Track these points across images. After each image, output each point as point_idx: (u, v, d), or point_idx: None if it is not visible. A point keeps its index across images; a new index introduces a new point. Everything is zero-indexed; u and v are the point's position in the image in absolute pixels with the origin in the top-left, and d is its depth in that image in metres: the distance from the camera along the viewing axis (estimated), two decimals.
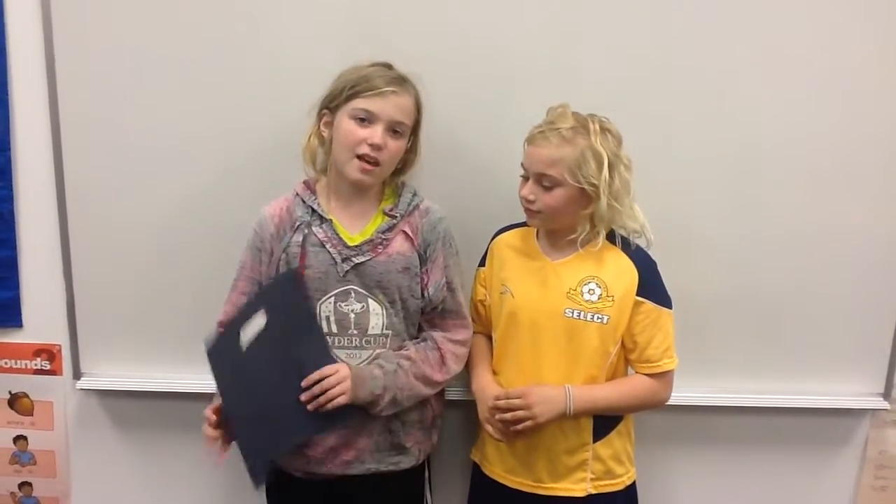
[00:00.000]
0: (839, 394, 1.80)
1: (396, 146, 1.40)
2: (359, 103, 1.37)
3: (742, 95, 1.63)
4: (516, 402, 1.40)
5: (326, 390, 1.31)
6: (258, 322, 1.35)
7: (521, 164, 1.43)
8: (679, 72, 1.62)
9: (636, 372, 1.50)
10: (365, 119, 1.37)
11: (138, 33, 1.59)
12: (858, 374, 1.79)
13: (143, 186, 1.66)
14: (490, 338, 1.58)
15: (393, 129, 1.38)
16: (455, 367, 1.49)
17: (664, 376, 1.48)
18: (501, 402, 1.41)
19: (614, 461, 1.52)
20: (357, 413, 1.38)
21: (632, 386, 1.49)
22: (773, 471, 1.89)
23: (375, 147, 1.36)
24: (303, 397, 1.30)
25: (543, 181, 1.38)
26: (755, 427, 1.84)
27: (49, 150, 1.65)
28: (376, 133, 1.36)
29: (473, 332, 1.55)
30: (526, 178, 1.43)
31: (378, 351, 1.43)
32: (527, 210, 1.43)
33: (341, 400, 1.32)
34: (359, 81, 1.37)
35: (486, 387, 1.49)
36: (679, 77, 1.62)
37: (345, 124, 1.38)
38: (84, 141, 1.64)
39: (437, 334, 1.48)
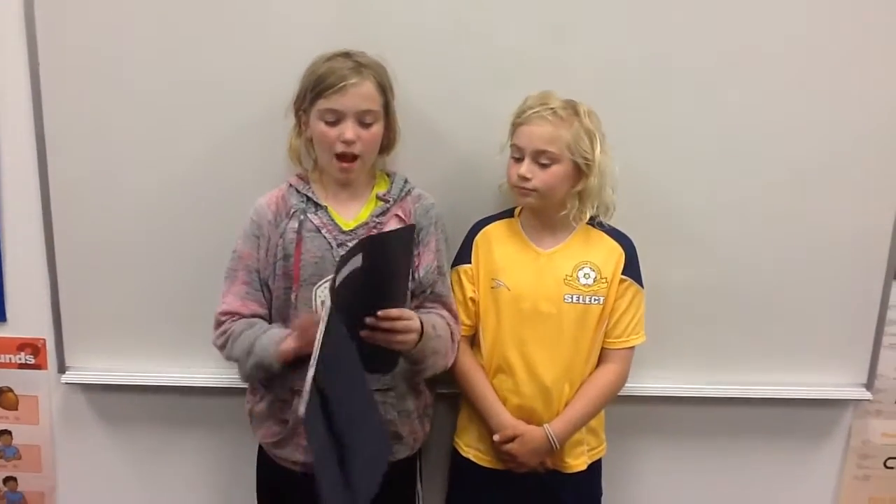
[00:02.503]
0: (822, 384, 1.81)
1: (370, 134, 1.40)
2: (322, 104, 1.37)
3: (730, 89, 1.63)
4: (512, 446, 1.49)
5: (398, 331, 1.28)
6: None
7: (513, 145, 1.45)
8: (665, 65, 1.62)
9: (604, 346, 1.54)
10: (332, 119, 1.37)
11: (122, 31, 1.57)
12: (841, 364, 1.81)
13: (127, 181, 1.64)
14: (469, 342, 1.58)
15: (361, 120, 1.38)
16: (454, 353, 1.48)
17: (625, 355, 1.55)
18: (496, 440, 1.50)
19: (600, 428, 1.62)
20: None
21: (597, 387, 1.53)
22: (757, 461, 1.90)
23: (349, 142, 1.37)
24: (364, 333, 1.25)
25: (541, 159, 1.41)
26: (738, 418, 1.85)
27: (32, 143, 1.63)
28: (346, 129, 1.37)
29: (462, 336, 1.54)
30: (517, 159, 1.44)
31: None
32: (520, 189, 1.44)
33: (406, 344, 1.31)
34: (317, 82, 1.37)
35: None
36: (665, 71, 1.62)
37: (316, 126, 1.40)
38: (68, 135, 1.62)
39: (447, 314, 1.46)
